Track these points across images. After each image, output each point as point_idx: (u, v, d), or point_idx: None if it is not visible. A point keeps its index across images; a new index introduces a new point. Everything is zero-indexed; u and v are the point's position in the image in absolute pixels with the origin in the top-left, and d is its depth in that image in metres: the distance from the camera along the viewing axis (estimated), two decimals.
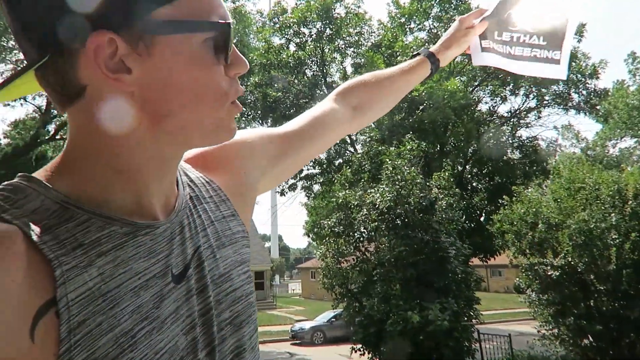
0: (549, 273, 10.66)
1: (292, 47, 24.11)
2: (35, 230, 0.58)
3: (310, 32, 23.95)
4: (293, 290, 57.67)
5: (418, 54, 1.32)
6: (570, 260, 10.40)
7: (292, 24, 23.49)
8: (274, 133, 1.01)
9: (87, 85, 0.62)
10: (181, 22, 0.61)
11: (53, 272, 0.56)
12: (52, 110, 19.13)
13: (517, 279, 12.10)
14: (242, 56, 0.70)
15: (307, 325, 21.99)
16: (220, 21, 0.65)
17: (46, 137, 19.49)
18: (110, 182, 0.66)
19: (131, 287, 0.62)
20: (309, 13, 23.11)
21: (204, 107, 0.65)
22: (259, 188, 0.97)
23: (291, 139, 1.03)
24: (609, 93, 23.18)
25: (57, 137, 19.10)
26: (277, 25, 23.79)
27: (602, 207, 10.53)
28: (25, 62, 0.64)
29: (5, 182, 0.63)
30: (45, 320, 0.55)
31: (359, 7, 24.11)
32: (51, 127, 19.88)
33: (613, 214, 10.27)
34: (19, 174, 0.64)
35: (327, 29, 23.60)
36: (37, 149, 19.72)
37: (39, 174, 0.66)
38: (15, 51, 17.15)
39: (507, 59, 1.38)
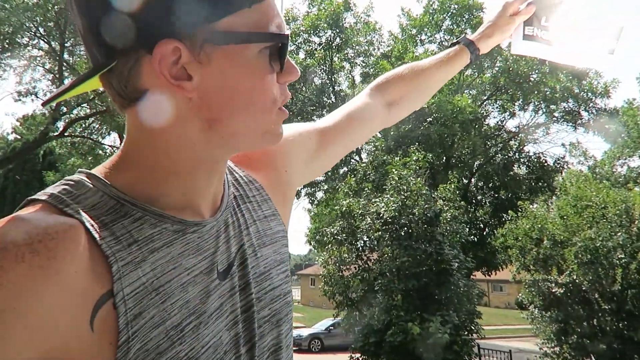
0: (553, 290, 10.58)
1: (302, 55, 24.22)
2: (94, 225, 0.61)
3: (320, 40, 24.07)
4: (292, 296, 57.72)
5: (457, 42, 1.27)
6: (575, 278, 10.32)
7: (302, 32, 23.61)
8: (312, 128, 1.03)
9: (149, 90, 0.64)
10: (240, 33, 0.64)
11: (110, 267, 0.60)
12: (62, 107, 19.25)
13: (520, 294, 12.02)
14: (294, 64, 0.72)
15: (305, 332, 21.90)
16: (277, 32, 0.67)
17: (55, 134, 19.59)
18: (163, 180, 0.69)
19: (180, 282, 0.65)
20: (319, 21, 23.23)
21: (255, 113, 0.68)
22: (298, 183, 1.00)
23: (328, 133, 1.04)
24: (619, 112, 23.09)
25: (66, 134, 19.19)
26: (289, 32, 23.89)
27: (609, 226, 10.47)
28: (90, 63, 0.66)
29: (67, 177, 0.67)
30: (102, 311, 0.58)
31: (368, 16, 24.24)
32: (60, 125, 20.00)
33: (620, 233, 10.20)
34: (79, 169, 0.68)
35: (337, 38, 23.71)
36: (45, 145, 19.82)
37: (98, 170, 0.69)
38: (29, 47, 17.31)
39: (552, 48, 1.31)
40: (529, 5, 1.29)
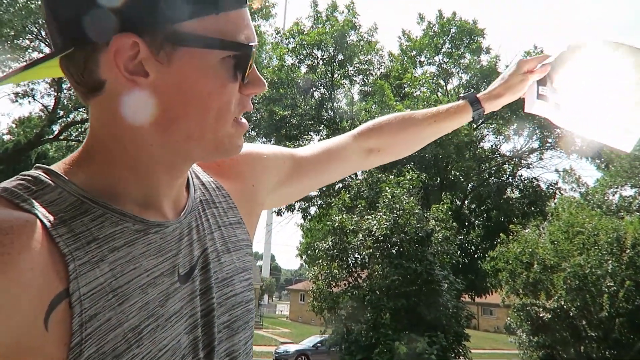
0: (541, 315, 10.57)
1: (304, 69, 24.41)
2: (52, 221, 0.59)
3: (323, 55, 24.28)
4: (281, 311, 57.00)
5: (463, 97, 1.21)
6: (562, 303, 10.31)
7: (306, 46, 23.82)
8: (288, 154, 1.02)
9: (106, 82, 0.64)
10: (204, 37, 0.63)
11: (67, 266, 0.58)
12: (58, 110, 19.23)
13: (508, 318, 11.97)
14: (261, 77, 0.71)
15: (292, 348, 21.65)
16: (243, 42, 0.66)
17: (50, 137, 19.54)
18: (123, 178, 0.67)
19: (140, 283, 0.64)
20: (324, 36, 23.47)
21: (208, 119, 0.67)
22: (266, 204, 0.98)
23: (304, 164, 1.04)
24: None
25: (61, 137, 19.15)
26: (292, 45, 24.13)
27: (599, 253, 10.49)
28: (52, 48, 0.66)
29: (24, 172, 0.64)
30: (57, 310, 0.56)
31: (371, 36, 24.52)
32: (56, 128, 19.96)
33: (610, 261, 10.22)
34: (36, 165, 0.66)
35: (340, 55, 23.92)
36: (39, 147, 19.74)
37: (57, 166, 0.67)
38: (29, 50, 17.35)
39: (565, 114, 1.22)
40: (544, 65, 1.22)
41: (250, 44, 0.67)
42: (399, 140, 1.18)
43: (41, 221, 0.58)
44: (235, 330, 0.77)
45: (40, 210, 0.59)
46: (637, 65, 1.16)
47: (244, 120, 0.72)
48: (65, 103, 19.35)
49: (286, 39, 24.47)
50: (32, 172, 0.64)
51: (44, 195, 0.61)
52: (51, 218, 0.59)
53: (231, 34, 0.65)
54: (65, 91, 18.61)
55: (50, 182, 0.63)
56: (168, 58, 0.63)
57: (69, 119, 19.51)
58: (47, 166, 0.66)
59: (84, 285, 0.58)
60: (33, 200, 0.60)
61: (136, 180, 0.68)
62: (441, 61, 24.89)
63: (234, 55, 0.65)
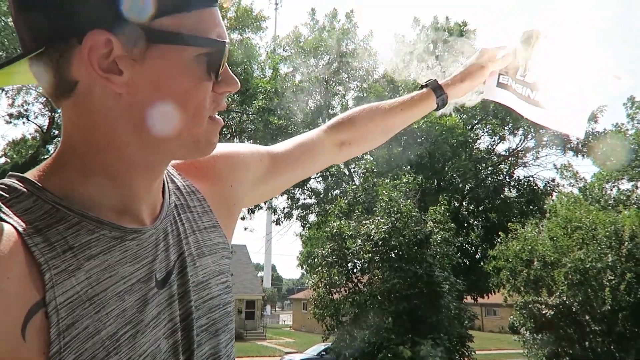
0: (544, 312, 10.53)
1: (298, 77, 24.50)
2: (27, 230, 0.59)
3: (318, 63, 24.38)
4: (284, 321, 56.73)
5: (425, 85, 1.24)
6: (565, 299, 10.29)
7: (302, 54, 23.93)
8: (264, 151, 1.04)
9: (78, 82, 0.63)
10: (178, 34, 0.64)
11: (43, 275, 0.57)
12: (53, 130, 19.22)
13: (512, 317, 11.93)
14: (234, 76, 0.72)
15: (297, 357, 21.53)
16: (216, 39, 0.67)
17: (45, 156, 19.54)
18: (99, 183, 0.67)
19: (117, 291, 0.64)
20: (320, 43, 23.60)
21: (185, 118, 0.67)
22: (245, 202, 0.98)
23: (280, 160, 1.05)
24: (607, 136, 23.40)
25: None
26: (286, 54, 24.24)
27: (599, 247, 10.50)
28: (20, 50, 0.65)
29: None
30: (35, 320, 0.56)
31: (367, 44, 24.65)
32: (52, 147, 19.97)
33: (609, 254, 10.22)
34: (10, 173, 0.65)
35: (335, 63, 24.04)
36: (34, 167, 19.76)
37: (31, 174, 0.66)
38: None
39: (524, 102, 1.27)
40: (505, 55, 1.27)
41: (222, 41, 0.68)
42: (369, 131, 1.21)
43: (16, 230, 0.57)
44: (214, 334, 0.77)
45: (15, 219, 0.58)
46: (580, 55, 1.23)
47: (218, 117, 0.73)
48: (60, 122, 19.38)
49: (281, 47, 24.58)
50: (6, 180, 0.64)
51: (18, 203, 0.61)
52: (26, 227, 0.59)
53: (204, 31, 0.66)
54: (59, 110, 18.60)
55: (24, 189, 0.62)
56: (142, 56, 0.63)
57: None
58: (21, 174, 0.65)
59: (60, 294, 0.58)
60: (7, 209, 0.59)
61: (113, 186, 0.68)
62: (433, 64, 25.03)
63: (207, 52, 0.66)
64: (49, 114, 19.28)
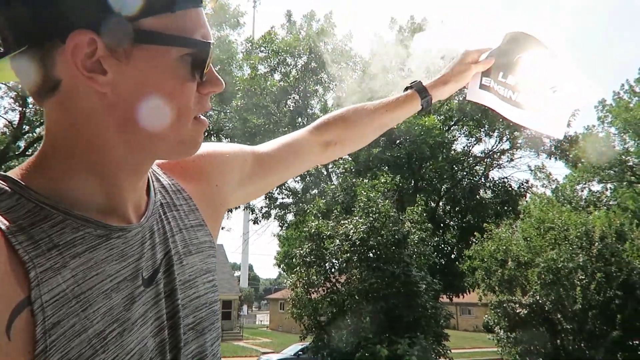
0: (518, 311, 10.74)
1: (277, 76, 24.40)
2: (10, 229, 0.58)
3: (296, 62, 24.33)
4: (261, 321, 56.43)
5: (410, 87, 1.26)
6: (538, 298, 10.51)
7: (279, 53, 23.83)
8: (250, 151, 1.04)
9: (62, 81, 0.63)
10: (163, 34, 0.64)
11: (28, 273, 0.57)
12: (24, 126, 18.73)
13: (486, 316, 12.13)
14: (219, 76, 0.72)
15: (274, 358, 21.45)
16: (200, 39, 0.67)
17: (16, 153, 19.02)
18: (84, 181, 0.66)
19: (103, 289, 0.63)
20: (297, 42, 23.53)
21: (170, 118, 0.67)
22: (230, 202, 0.98)
23: (265, 160, 1.05)
24: (579, 138, 23.94)
25: (28, 153, 18.65)
26: (264, 54, 24.10)
27: (570, 248, 10.75)
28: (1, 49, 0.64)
29: None
30: (20, 319, 0.55)
31: (346, 44, 24.72)
32: (22, 144, 19.45)
33: (580, 255, 10.47)
34: None
35: (312, 62, 24.01)
36: (4, 164, 19.21)
37: (14, 173, 0.66)
38: None
39: (505, 104, 1.30)
40: (488, 58, 1.29)
41: (207, 41, 0.68)
42: (354, 132, 1.21)
43: (0, 229, 0.57)
44: (201, 332, 0.77)
45: None
46: (560, 58, 1.25)
47: (203, 117, 0.73)
48: (31, 118, 18.88)
49: (258, 47, 24.43)
50: None
51: (0, 202, 0.60)
52: (9, 225, 0.58)
53: (188, 32, 0.66)
54: (30, 106, 18.16)
55: (7, 188, 0.62)
56: (126, 56, 0.62)
57: (35, 134, 19.03)
58: (3, 173, 0.64)
59: (45, 293, 0.57)
60: None
61: (98, 184, 0.67)
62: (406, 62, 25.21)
63: (191, 52, 0.66)
64: (20, 109, 18.76)
